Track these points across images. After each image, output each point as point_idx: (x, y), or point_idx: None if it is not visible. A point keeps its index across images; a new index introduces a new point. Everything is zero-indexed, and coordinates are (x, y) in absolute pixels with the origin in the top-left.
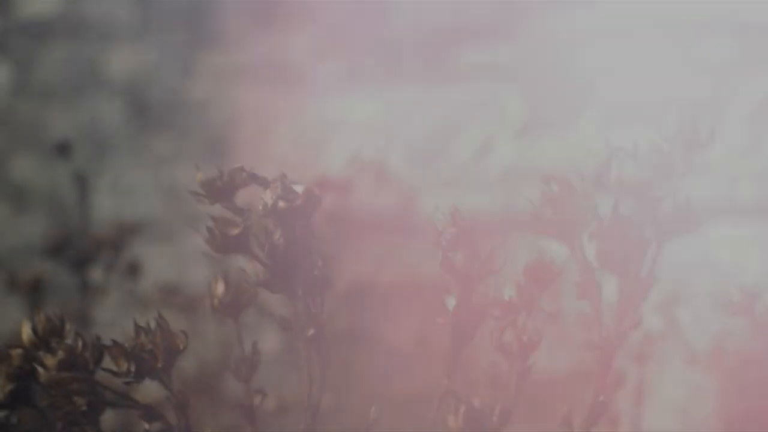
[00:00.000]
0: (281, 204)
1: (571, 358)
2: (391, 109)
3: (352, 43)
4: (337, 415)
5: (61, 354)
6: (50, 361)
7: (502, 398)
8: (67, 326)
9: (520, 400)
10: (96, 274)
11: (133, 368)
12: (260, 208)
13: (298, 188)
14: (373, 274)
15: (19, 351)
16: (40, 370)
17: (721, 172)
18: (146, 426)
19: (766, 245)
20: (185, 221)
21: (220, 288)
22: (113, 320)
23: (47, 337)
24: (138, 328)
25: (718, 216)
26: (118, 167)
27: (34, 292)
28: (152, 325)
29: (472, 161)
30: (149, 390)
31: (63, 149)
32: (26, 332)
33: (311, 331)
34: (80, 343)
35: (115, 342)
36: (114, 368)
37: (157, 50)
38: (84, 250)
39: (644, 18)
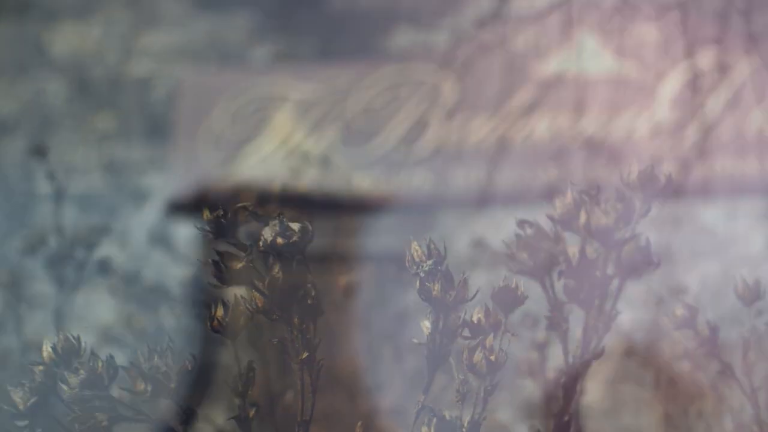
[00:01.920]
0: (279, 240)
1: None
2: (326, 90)
3: (289, 24)
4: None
5: (83, 373)
6: (73, 380)
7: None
8: (83, 345)
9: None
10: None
11: (150, 388)
12: (260, 244)
13: (295, 226)
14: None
15: (40, 368)
16: (63, 387)
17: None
18: None
19: (687, 226)
20: (126, 197)
21: (220, 311)
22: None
23: (66, 356)
24: (151, 350)
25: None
26: (62, 144)
27: (12, 288)
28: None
29: (405, 140)
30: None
31: (40, 151)
32: (46, 350)
33: (305, 354)
34: (99, 364)
35: (132, 364)
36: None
37: (100, 29)
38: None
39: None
